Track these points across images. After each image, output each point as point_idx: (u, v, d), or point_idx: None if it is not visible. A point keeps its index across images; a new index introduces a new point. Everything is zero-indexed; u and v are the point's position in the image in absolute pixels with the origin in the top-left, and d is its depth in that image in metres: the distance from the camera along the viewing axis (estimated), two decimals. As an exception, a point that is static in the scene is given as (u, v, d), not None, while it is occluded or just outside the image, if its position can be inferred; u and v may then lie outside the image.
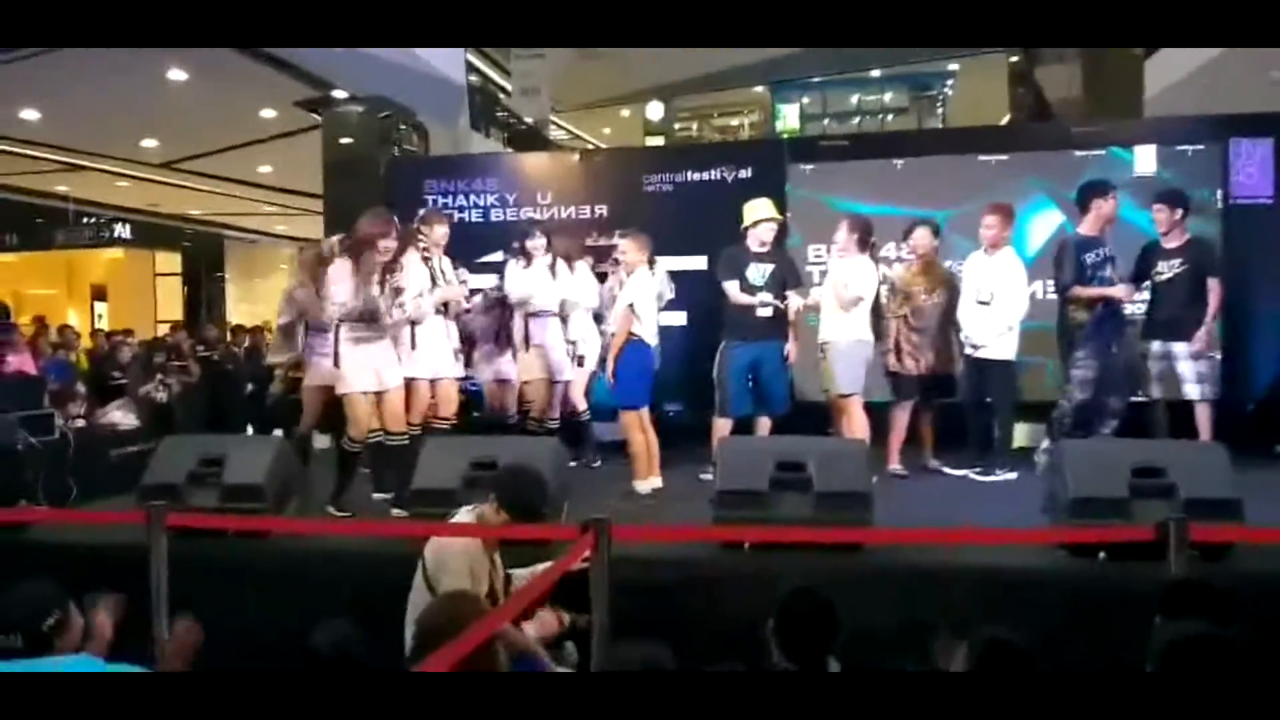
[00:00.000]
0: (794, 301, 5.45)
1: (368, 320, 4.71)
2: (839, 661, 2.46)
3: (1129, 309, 5.58)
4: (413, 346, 5.01)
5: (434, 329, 5.12)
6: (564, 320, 5.99)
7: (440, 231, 5.27)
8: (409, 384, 4.98)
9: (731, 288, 5.47)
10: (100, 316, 16.90)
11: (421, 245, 5.17)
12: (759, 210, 5.54)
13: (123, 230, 15.54)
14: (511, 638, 2.68)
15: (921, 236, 5.70)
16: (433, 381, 5.15)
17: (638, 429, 5.28)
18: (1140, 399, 5.52)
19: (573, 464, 5.98)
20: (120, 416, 7.32)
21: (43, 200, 14.53)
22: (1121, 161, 6.61)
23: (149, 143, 11.73)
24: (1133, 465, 3.68)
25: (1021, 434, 6.00)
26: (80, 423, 7.16)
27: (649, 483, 5.27)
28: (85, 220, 15.34)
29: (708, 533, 3.87)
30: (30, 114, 10.02)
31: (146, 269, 17.32)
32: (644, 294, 5.30)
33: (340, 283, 4.68)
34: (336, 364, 4.70)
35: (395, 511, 4.72)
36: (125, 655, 2.88)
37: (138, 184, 13.67)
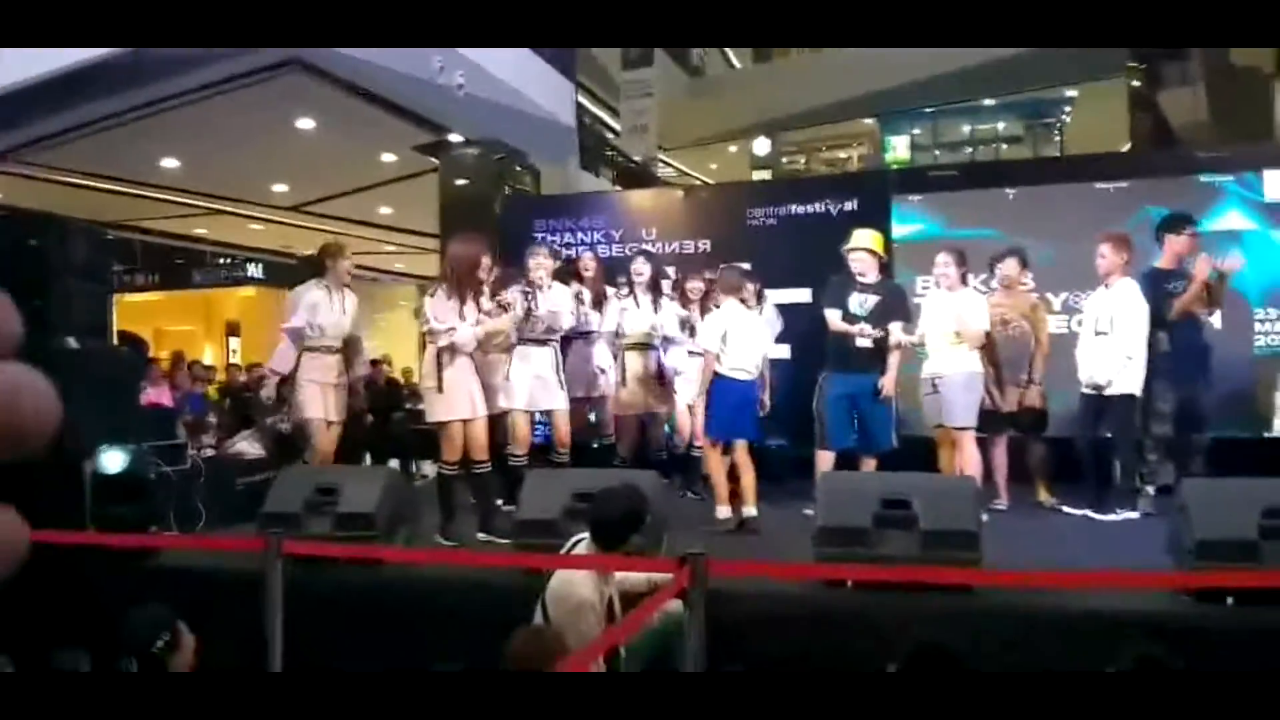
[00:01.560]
0: (895, 335, 5.35)
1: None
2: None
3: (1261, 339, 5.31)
4: (507, 378, 5.12)
5: (533, 360, 5.22)
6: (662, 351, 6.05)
7: (534, 264, 5.37)
8: (504, 414, 5.10)
9: (833, 316, 5.42)
10: (234, 351, 17.81)
11: (526, 278, 5.31)
12: (855, 239, 5.51)
13: (255, 270, 16.41)
14: None
15: (1009, 266, 5.58)
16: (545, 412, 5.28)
17: (714, 459, 5.28)
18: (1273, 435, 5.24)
19: (691, 496, 6.06)
20: (247, 446, 7.69)
21: (181, 243, 15.45)
22: (1251, 187, 6.30)
23: (279, 187, 12.38)
24: (1263, 507, 3.47)
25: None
26: (210, 452, 7.57)
27: (726, 509, 5.21)
28: (220, 261, 16.26)
29: (806, 569, 3.81)
30: (170, 162, 10.69)
31: (277, 307, 18.16)
32: (725, 328, 5.24)
33: (445, 310, 4.82)
34: (440, 389, 4.82)
35: (483, 536, 4.84)
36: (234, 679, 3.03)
37: (269, 226, 14.43)
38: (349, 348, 5.50)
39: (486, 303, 4.99)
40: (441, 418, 4.86)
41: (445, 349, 4.81)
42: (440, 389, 4.80)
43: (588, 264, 6.20)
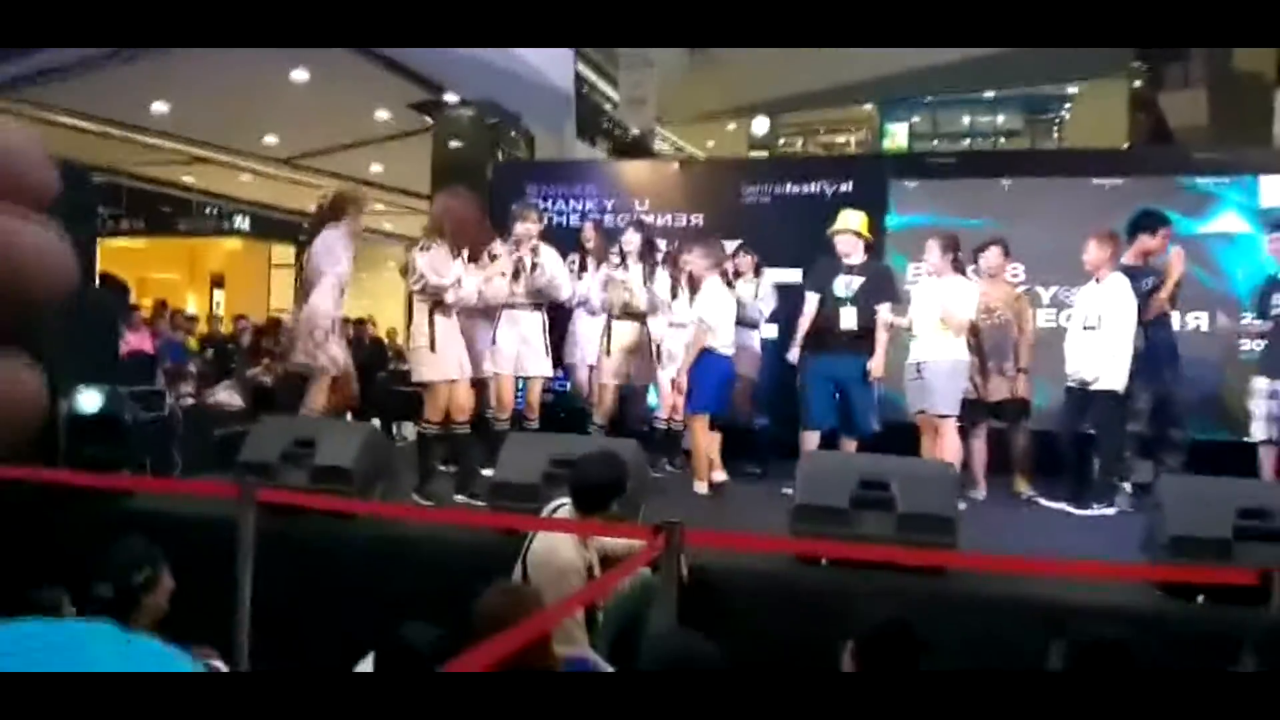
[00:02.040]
0: (883, 315, 5.34)
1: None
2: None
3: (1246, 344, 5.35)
4: (493, 342, 5.08)
5: (521, 324, 5.18)
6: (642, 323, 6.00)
7: (522, 228, 5.28)
8: (491, 378, 5.06)
9: (810, 299, 5.45)
10: (218, 304, 17.68)
11: (512, 238, 5.24)
12: (840, 221, 5.50)
13: (242, 222, 16.25)
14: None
15: (992, 255, 5.59)
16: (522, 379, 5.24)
17: (703, 433, 5.32)
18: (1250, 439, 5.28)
19: (670, 469, 6.05)
20: (227, 397, 7.65)
21: (168, 190, 15.28)
22: (1248, 191, 6.30)
23: (270, 139, 12.26)
24: (1238, 506, 3.49)
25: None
26: (190, 401, 7.51)
27: (704, 484, 5.32)
28: (207, 211, 16.08)
29: (782, 544, 3.80)
30: (160, 106, 10.55)
31: (263, 259, 18.05)
32: (714, 304, 5.27)
33: (444, 264, 4.73)
34: (432, 348, 4.76)
35: (461, 498, 4.82)
36: (206, 627, 3.00)
37: (258, 178, 14.28)
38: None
39: (485, 259, 4.94)
40: (431, 378, 4.80)
41: (438, 307, 4.74)
42: (433, 348, 4.75)
43: (589, 235, 6.14)
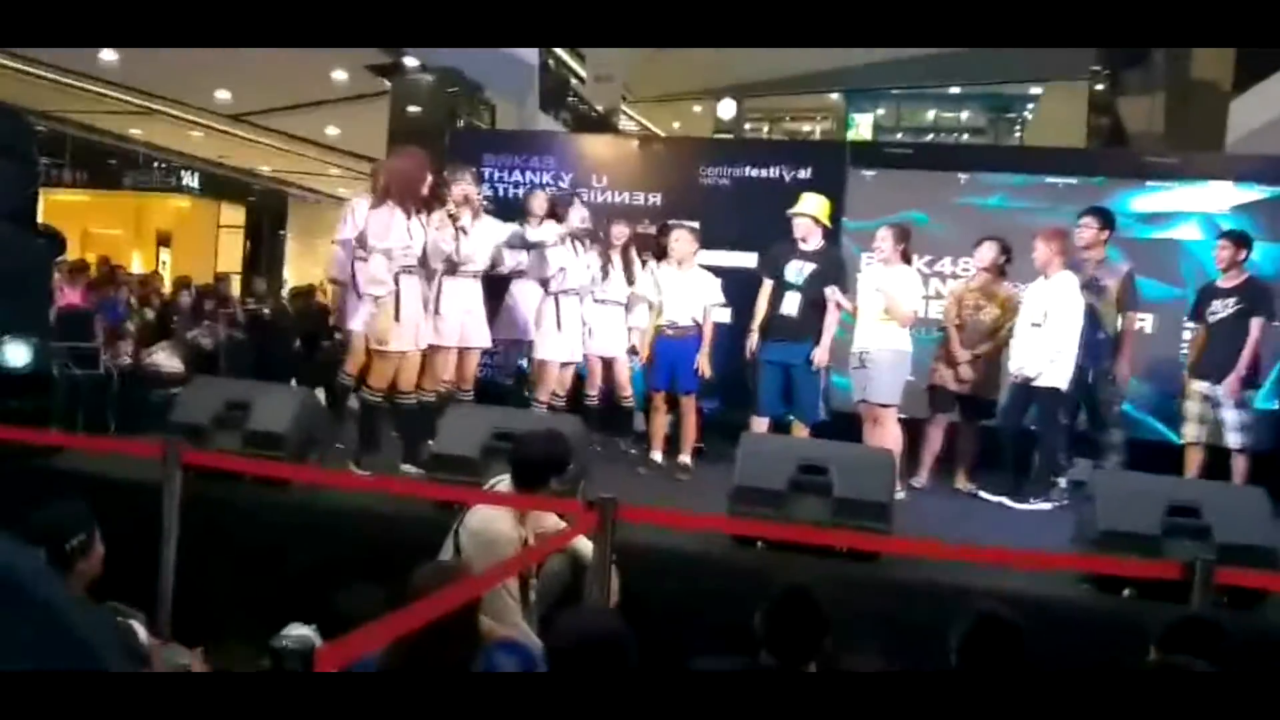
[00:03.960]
0: (830, 297, 5.34)
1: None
2: (820, 664, 2.39)
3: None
4: (437, 312, 4.96)
5: (457, 295, 5.07)
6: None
7: (459, 190, 5.07)
8: (434, 350, 4.97)
9: (765, 285, 5.50)
10: (164, 263, 17.28)
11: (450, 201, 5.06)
12: (801, 203, 5.48)
13: (190, 179, 15.85)
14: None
15: (985, 251, 5.61)
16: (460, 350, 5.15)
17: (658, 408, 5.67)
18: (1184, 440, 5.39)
19: (623, 449, 6.01)
20: (165, 359, 7.44)
21: (115, 142, 14.84)
22: (1195, 197, 6.40)
23: (222, 94, 11.92)
24: (1168, 503, 3.54)
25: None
26: (127, 361, 7.31)
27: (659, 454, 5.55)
28: (155, 165, 15.66)
29: (716, 522, 3.79)
30: (109, 55, 10.19)
31: (211, 220, 17.67)
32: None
33: (392, 227, 4.58)
34: (397, 318, 4.60)
35: (408, 468, 4.73)
36: (125, 589, 2.91)
37: (209, 135, 13.92)
38: None
39: (436, 219, 4.81)
40: (395, 347, 4.66)
41: (404, 272, 4.62)
42: (398, 317, 4.61)
43: (539, 204, 5.97)
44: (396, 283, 4.61)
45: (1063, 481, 5.31)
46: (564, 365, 5.67)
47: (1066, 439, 5.40)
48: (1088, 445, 5.52)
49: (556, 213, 5.76)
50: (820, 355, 5.33)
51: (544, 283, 5.62)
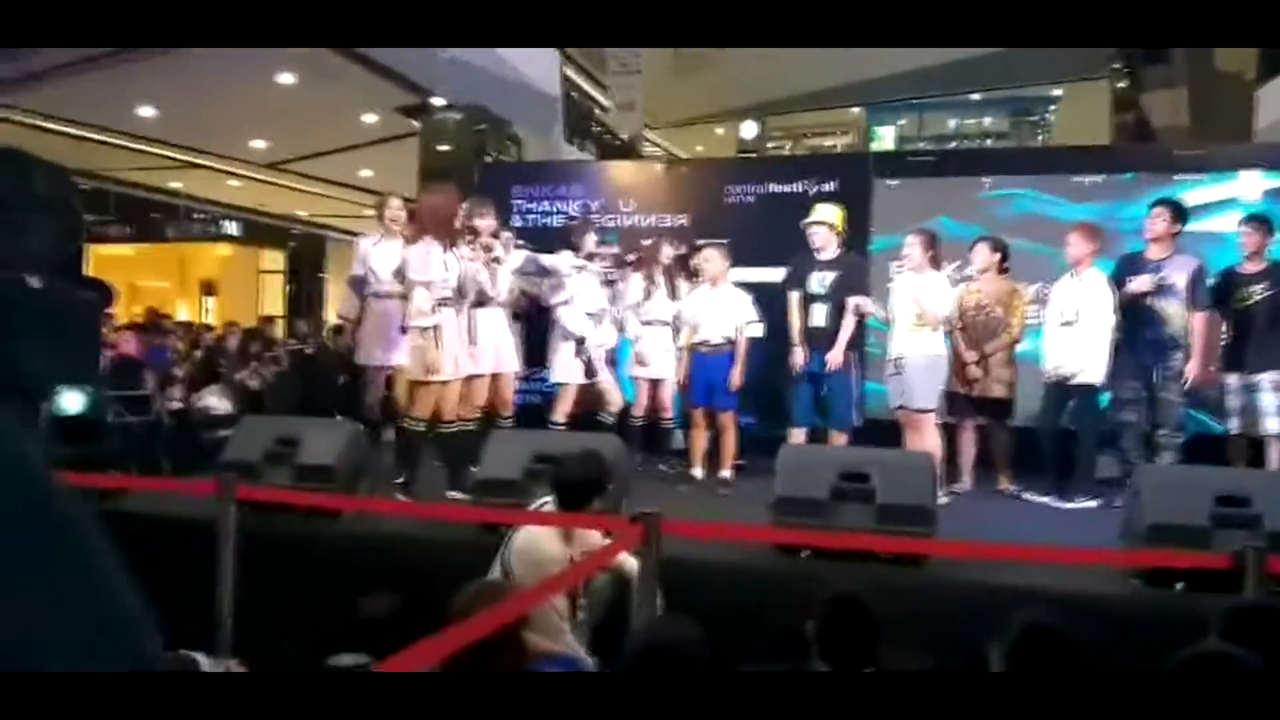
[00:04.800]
0: (851, 302, 5.39)
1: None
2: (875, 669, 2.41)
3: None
4: (472, 341, 5.06)
5: (489, 323, 5.17)
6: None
7: (484, 224, 5.18)
8: (470, 378, 5.07)
9: (792, 298, 5.53)
10: (208, 310, 17.65)
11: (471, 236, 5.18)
12: (814, 213, 5.55)
13: (231, 228, 16.22)
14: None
15: (979, 252, 5.63)
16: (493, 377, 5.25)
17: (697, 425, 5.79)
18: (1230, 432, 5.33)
19: (662, 468, 6.05)
20: (215, 401, 7.62)
21: (157, 196, 15.24)
22: (1226, 188, 6.35)
23: (257, 143, 12.23)
24: (1216, 493, 3.51)
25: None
26: (177, 405, 7.50)
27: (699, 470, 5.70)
28: (196, 216, 16.05)
29: (759, 532, 3.82)
30: (147, 111, 10.52)
31: (252, 265, 18.03)
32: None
33: (430, 261, 4.73)
34: (437, 346, 4.73)
35: (454, 495, 4.81)
36: (185, 622, 3.00)
37: (247, 184, 14.26)
38: None
39: (467, 251, 4.93)
40: (439, 377, 4.78)
41: (439, 305, 4.74)
42: (437, 345, 4.73)
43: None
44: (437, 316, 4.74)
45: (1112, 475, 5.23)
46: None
47: (1134, 438, 5.29)
48: (1146, 444, 5.42)
49: (571, 241, 5.87)
50: (834, 358, 5.37)
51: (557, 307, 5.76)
